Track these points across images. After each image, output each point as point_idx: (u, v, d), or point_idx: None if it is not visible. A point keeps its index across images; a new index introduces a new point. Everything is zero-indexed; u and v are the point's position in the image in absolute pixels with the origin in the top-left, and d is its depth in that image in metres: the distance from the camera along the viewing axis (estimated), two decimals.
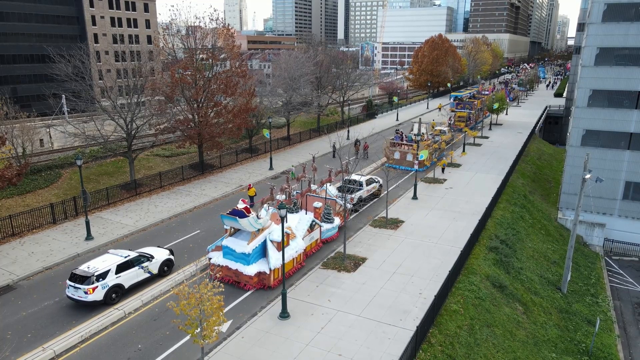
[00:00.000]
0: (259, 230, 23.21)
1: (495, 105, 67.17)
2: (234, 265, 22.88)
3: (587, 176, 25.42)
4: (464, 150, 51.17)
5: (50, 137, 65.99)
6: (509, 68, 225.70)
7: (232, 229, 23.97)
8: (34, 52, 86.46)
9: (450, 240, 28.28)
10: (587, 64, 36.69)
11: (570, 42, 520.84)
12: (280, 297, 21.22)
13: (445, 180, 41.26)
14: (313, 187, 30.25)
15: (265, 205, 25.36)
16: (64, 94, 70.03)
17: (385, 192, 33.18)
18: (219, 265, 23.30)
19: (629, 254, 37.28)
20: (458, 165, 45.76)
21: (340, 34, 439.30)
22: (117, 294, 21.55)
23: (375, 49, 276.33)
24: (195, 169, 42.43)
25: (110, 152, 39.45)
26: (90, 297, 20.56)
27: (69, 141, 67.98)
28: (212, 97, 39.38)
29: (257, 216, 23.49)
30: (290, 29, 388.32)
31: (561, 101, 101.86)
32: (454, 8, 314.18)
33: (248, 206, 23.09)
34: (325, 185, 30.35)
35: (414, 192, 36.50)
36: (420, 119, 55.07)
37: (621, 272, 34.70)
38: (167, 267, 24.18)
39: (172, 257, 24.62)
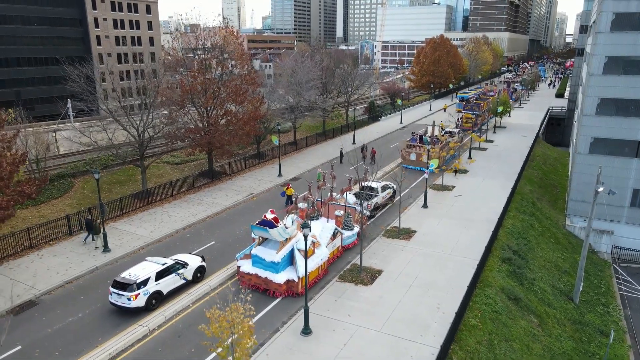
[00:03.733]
0: (286, 239, 23.94)
1: (500, 109, 67.51)
2: (263, 273, 23.73)
3: (600, 189, 25.75)
4: (470, 157, 51.54)
5: (57, 141, 65.99)
6: (509, 67, 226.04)
7: (261, 238, 24.65)
8: (38, 54, 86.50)
9: (463, 250, 28.65)
10: (596, 73, 36.99)
11: (569, 40, 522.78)
12: (300, 310, 21.65)
13: (453, 187, 41.60)
14: (334, 195, 30.89)
15: (291, 215, 25.79)
16: (70, 99, 70.22)
17: (399, 197, 33.55)
18: (248, 273, 24.18)
19: (637, 261, 37.70)
20: (465, 171, 46.10)
21: (339, 32, 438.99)
22: (157, 300, 22.46)
23: (375, 47, 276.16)
24: (205, 177, 42.68)
25: (122, 160, 39.61)
26: (134, 304, 21.45)
27: (75, 145, 68.28)
28: (222, 106, 39.57)
29: (285, 225, 24.00)
30: (289, 27, 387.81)
31: (563, 102, 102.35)
32: (453, 6, 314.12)
33: (276, 216, 23.80)
34: (345, 194, 30.94)
35: (424, 200, 36.84)
36: (434, 121, 55.72)
37: (630, 279, 35.11)
38: (200, 274, 25.12)
39: (204, 263, 25.54)
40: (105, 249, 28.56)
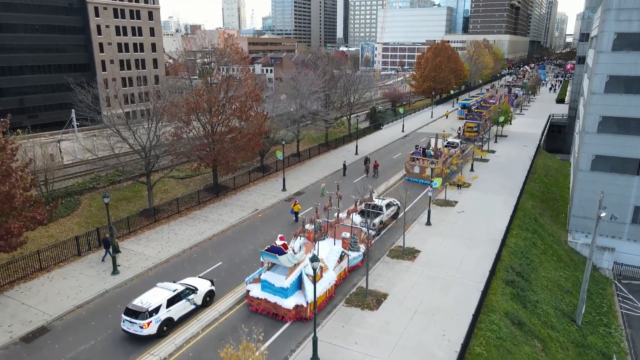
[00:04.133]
0: (295, 264, 24.44)
1: (501, 119, 67.90)
2: (272, 298, 24.26)
3: (603, 214, 26.15)
4: (472, 169, 52.00)
5: (61, 151, 66.36)
6: (509, 69, 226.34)
7: (270, 263, 25.08)
8: (41, 62, 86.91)
9: (467, 272, 29.05)
10: (597, 91, 37.38)
11: (569, 39, 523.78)
12: (309, 338, 22.08)
13: (456, 202, 41.99)
14: (342, 215, 31.36)
15: (298, 239, 26.25)
16: (73, 109, 70.53)
17: (403, 212, 33.85)
18: (257, 298, 24.73)
19: (639, 277, 38.10)
20: (468, 185, 46.45)
21: (340, 33, 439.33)
22: (168, 326, 22.90)
23: (375, 49, 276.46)
24: (210, 192, 43.04)
25: (128, 176, 39.96)
26: (146, 332, 21.89)
27: (79, 155, 68.58)
28: (228, 123, 39.93)
29: (293, 251, 24.50)
30: (289, 27, 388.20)
31: (563, 108, 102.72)
32: (453, 8, 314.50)
33: (285, 242, 24.34)
34: (351, 215, 31.33)
35: (427, 218, 37.23)
36: (437, 134, 56.22)
37: (631, 297, 35.52)
38: (209, 298, 25.56)
39: (213, 287, 25.97)
40: (115, 271, 28.95)
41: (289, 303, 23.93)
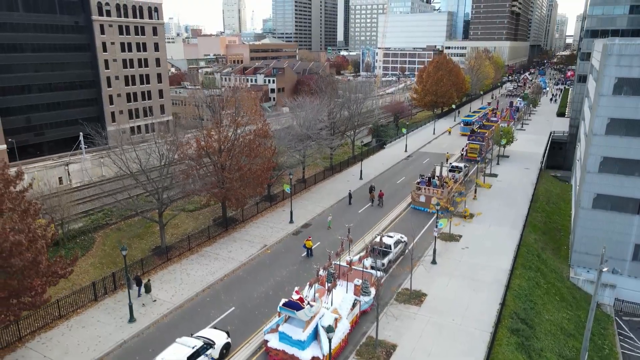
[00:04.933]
0: (311, 317, 25.77)
1: (503, 142, 68.86)
2: (290, 350, 25.63)
3: (605, 269, 27.07)
4: (475, 197, 53.05)
5: (69, 174, 67.33)
6: (510, 76, 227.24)
7: (287, 316, 26.33)
8: (47, 80, 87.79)
9: (473, 319, 30.00)
10: (598, 133, 38.35)
11: (569, 40, 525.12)
12: None
13: (460, 237, 42.92)
14: (354, 259, 33.41)
15: (314, 287, 27.84)
16: (82, 132, 71.47)
17: (410, 246, 34.50)
18: (275, 349, 26.16)
19: (639, 313, 39.06)
20: (471, 216, 47.34)
21: (340, 36, 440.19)
22: None
23: (376, 54, 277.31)
24: (219, 226, 43.93)
25: (138, 210, 40.82)
26: None
27: (87, 177, 69.36)
28: (238, 162, 40.82)
29: (309, 304, 25.77)
30: (290, 30, 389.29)
31: (564, 122, 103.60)
32: (454, 12, 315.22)
33: (301, 296, 25.86)
34: (363, 261, 32.52)
35: (433, 256, 38.15)
36: (442, 163, 57.33)
37: (631, 335, 36.47)
38: (225, 350, 26.66)
39: (229, 340, 27.02)
40: (131, 318, 29.90)
41: (306, 355, 25.28)
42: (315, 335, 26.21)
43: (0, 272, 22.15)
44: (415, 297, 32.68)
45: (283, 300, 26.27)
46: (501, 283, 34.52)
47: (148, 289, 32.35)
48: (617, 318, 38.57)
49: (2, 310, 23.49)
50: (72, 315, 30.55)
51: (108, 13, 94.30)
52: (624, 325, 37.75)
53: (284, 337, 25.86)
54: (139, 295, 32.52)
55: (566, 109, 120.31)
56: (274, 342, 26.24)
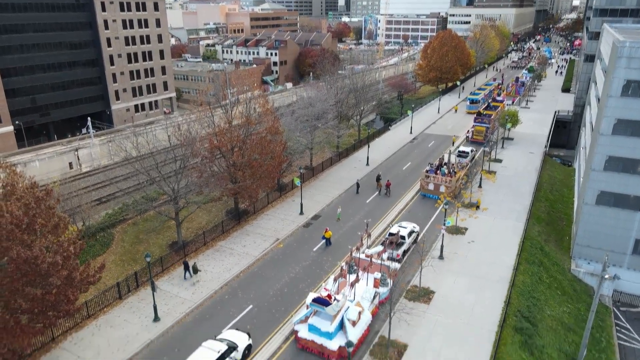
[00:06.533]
0: (338, 311, 28.40)
1: (508, 126, 69.34)
2: (319, 339, 28.46)
3: (607, 276, 28.49)
4: (480, 185, 54.17)
5: (79, 159, 68.28)
6: (515, 45, 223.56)
7: (315, 310, 28.98)
8: (51, 60, 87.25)
9: (480, 318, 31.73)
10: (605, 133, 39.03)
11: (576, 2, 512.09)
12: None
13: (466, 229, 44.30)
14: (371, 251, 35.90)
15: (338, 281, 31.08)
16: (89, 118, 71.90)
17: (421, 247, 35.96)
18: (305, 339, 28.93)
19: (636, 304, 40.88)
20: (477, 207, 48.42)
21: (341, 1, 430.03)
22: None
23: (379, 22, 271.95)
24: (232, 218, 45.22)
25: (158, 212, 42.09)
26: None
27: (96, 162, 70.35)
28: (249, 159, 41.65)
29: (336, 299, 28.49)
30: None
31: (569, 99, 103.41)
32: None
33: (330, 293, 28.85)
34: (381, 256, 35.00)
35: (440, 252, 39.62)
36: (450, 150, 58.24)
37: (628, 326, 38.35)
38: (247, 351, 28.66)
39: (250, 341, 28.94)
40: (156, 318, 31.63)
41: (333, 345, 28.14)
42: (341, 326, 28.98)
43: (39, 289, 23.52)
44: (424, 295, 34.33)
45: (313, 296, 29.34)
46: (506, 280, 36.10)
47: (195, 270, 36.01)
48: (614, 309, 40.40)
49: (41, 320, 25.03)
50: (99, 314, 32.28)
51: None
52: (621, 316, 39.61)
53: (313, 329, 28.63)
54: (185, 278, 36.03)
55: (571, 83, 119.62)
56: (304, 333, 28.95)
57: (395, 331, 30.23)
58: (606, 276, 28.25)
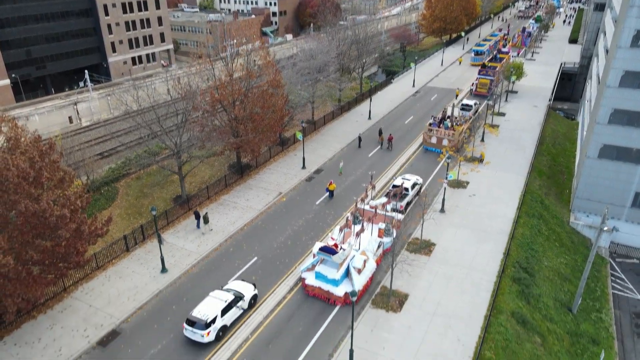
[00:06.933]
0: (343, 259, 29.49)
1: (513, 79, 68.23)
2: (325, 286, 29.68)
3: (605, 228, 28.95)
4: (482, 139, 54.04)
5: (78, 113, 67.73)
6: None
7: (322, 258, 29.98)
8: (43, 10, 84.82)
9: (479, 269, 32.54)
10: (612, 85, 38.53)
11: None
12: (343, 341, 26.22)
13: (467, 183, 44.57)
14: (375, 203, 36.63)
15: (344, 231, 31.94)
16: (87, 71, 70.66)
17: (423, 200, 36.48)
18: (312, 286, 30.11)
19: (632, 255, 41.79)
20: (480, 161, 48.46)
21: None
22: (223, 332, 27.06)
23: None
24: (235, 173, 45.39)
25: (161, 166, 42.19)
26: (207, 339, 26.17)
27: (96, 117, 69.86)
28: (251, 113, 41.28)
29: (342, 249, 29.53)
30: None
31: (576, 50, 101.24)
32: None
33: (336, 242, 29.94)
34: (385, 207, 35.95)
35: (442, 205, 40.07)
36: (453, 104, 57.72)
37: (623, 276, 39.41)
38: (253, 301, 29.60)
39: (256, 292, 29.80)
40: (163, 269, 32.45)
41: (339, 291, 29.31)
42: (346, 274, 30.07)
43: (49, 241, 24.00)
44: (425, 247, 35.04)
45: (319, 245, 30.12)
46: (506, 233, 36.73)
47: (206, 221, 36.49)
48: (611, 260, 41.34)
49: (52, 271, 25.72)
50: (108, 265, 33.08)
51: None
52: (616, 267, 40.60)
53: (320, 276, 29.75)
54: (198, 226, 36.90)
55: (579, 34, 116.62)
56: (311, 280, 30.08)
57: (396, 282, 31.09)
58: (605, 228, 28.72)
